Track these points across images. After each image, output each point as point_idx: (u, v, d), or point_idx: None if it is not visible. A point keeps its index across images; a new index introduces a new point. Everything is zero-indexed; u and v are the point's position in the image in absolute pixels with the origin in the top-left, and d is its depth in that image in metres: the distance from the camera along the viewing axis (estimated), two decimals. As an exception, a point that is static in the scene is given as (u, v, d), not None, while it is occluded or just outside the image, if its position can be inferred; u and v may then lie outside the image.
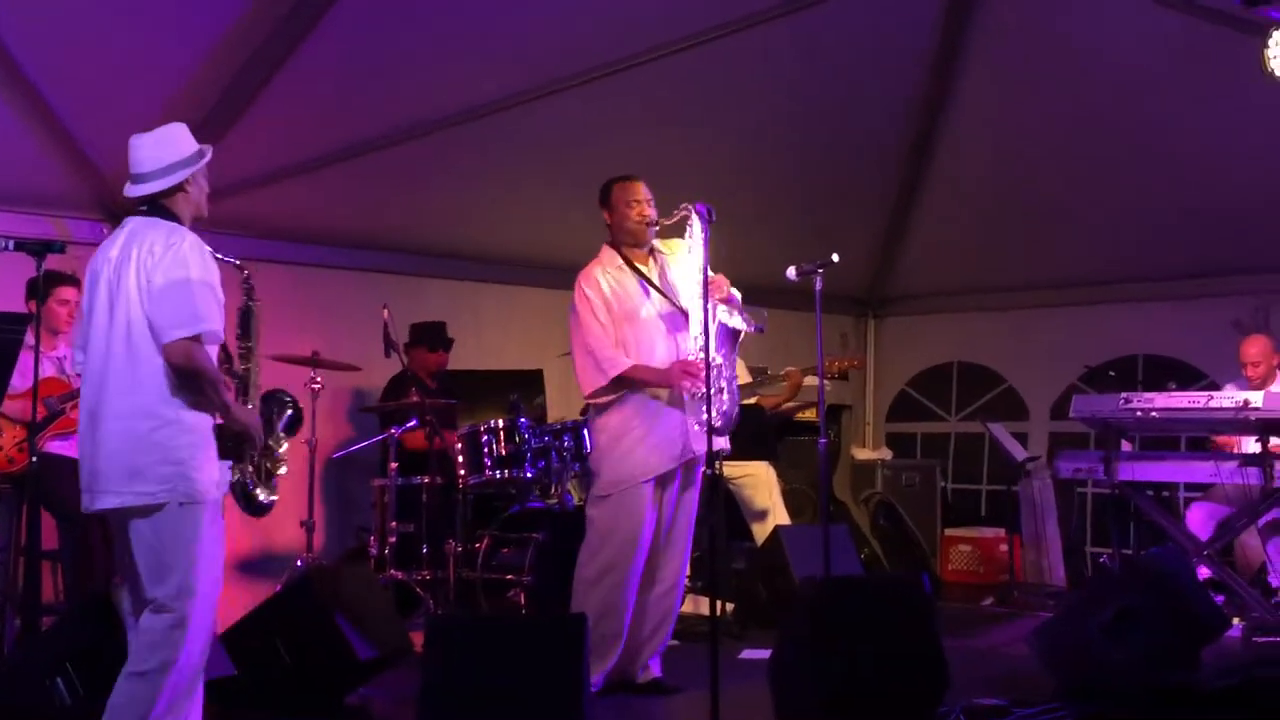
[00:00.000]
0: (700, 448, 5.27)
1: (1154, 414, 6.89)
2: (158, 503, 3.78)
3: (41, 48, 5.60)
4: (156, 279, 3.80)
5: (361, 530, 7.21)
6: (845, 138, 8.30)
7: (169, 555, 3.80)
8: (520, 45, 6.56)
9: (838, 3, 7.02)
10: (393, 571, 6.55)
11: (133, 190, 4.00)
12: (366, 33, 6.10)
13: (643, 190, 5.40)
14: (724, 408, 5.17)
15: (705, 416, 5.00)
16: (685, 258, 5.41)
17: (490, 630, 4.71)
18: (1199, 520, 7.44)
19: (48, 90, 5.83)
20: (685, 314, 5.34)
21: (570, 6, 6.43)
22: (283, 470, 4.46)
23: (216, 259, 4.15)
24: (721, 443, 5.26)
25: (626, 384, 5.27)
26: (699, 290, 5.06)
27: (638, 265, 5.41)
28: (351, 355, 6.93)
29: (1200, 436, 7.90)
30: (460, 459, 6.73)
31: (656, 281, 5.40)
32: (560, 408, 7.98)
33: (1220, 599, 6.76)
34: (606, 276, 5.35)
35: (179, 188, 3.99)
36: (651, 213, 5.36)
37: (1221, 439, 7.54)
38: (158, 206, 3.98)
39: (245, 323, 4.32)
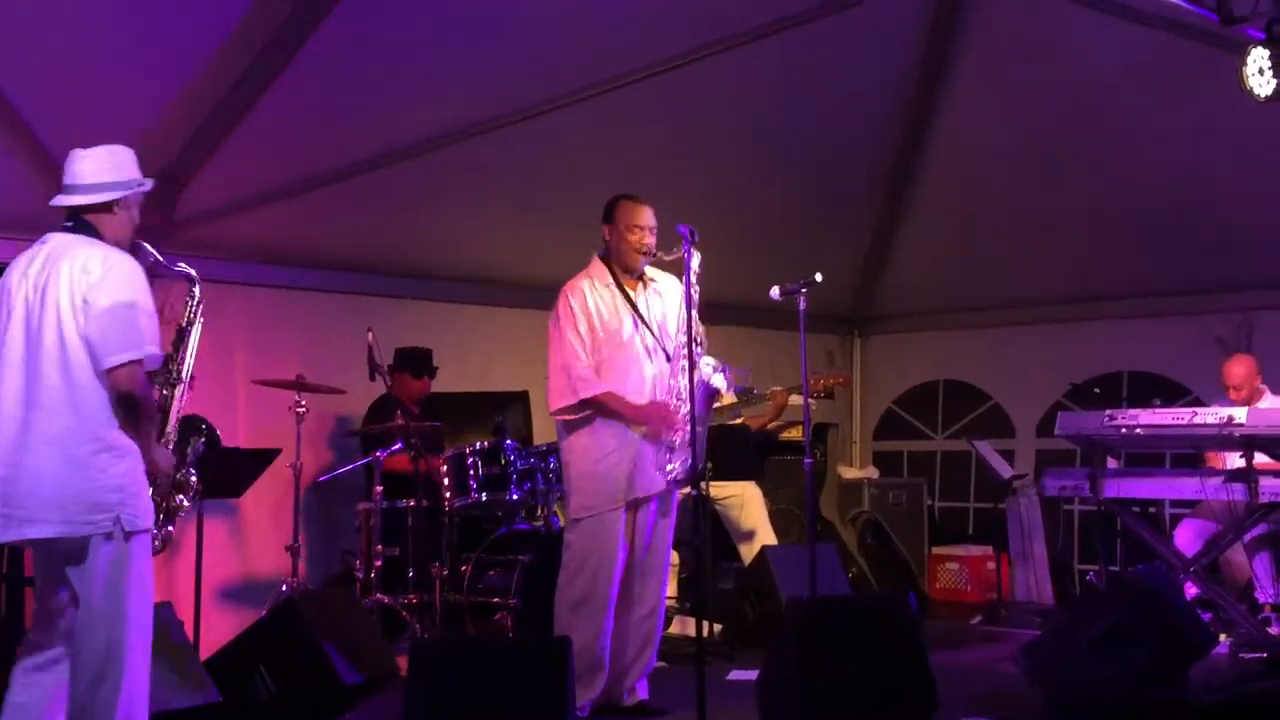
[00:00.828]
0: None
1: (1138, 430, 6.90)
2: (104, 531, 3.63)
3: (22, 68, 5.58)
4: (98, 300, 3.66)
5: (347, 554, 7.17)
6: (828, 157, 8.34)
7: (108, 588, 3.65)
8: (502, 69, 6.57)
9: (819, 26, 7.07)
10: (378, 595, 6.52)
11: (59, 199, 3.87)
12: (350, 57, 6.11)
13: (648, 217, 5.31)
14: (688, 459, 5.12)
15: (666, 467, 5.07)
16: (672, 286, 5.40)
17: (475, 653, 4.69)
18: (1187, 537, 7.44)
19: (29, 113, 5.81)
20: (668, 354, 5.28)
21: (553, 30, 6.45)
22: (183, 511, 4.27)
23: (174, 272, 4.09)
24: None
25: (596, 408, 5.20)
26: (683, 323, 5.08)
27: (627, 289, 5.35)
28: (336, 378, 6.90)
29: (1185, 453, 7.90)
30: (446, 481, 6.72)
31: (644, 311, 5.33)
32: (546, 429, 7.94)
33: (1208, 616, 6.78)
34: (594, 294, 5.28)
35: (107, 206, 3.86)
36: (651, 241, 5.29)
37: (1208, 455, 7.55)
38: (82, 223, 3.84)
39: (178, 343, 4.15)
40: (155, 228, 6.39)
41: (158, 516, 4.04)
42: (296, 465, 6.55)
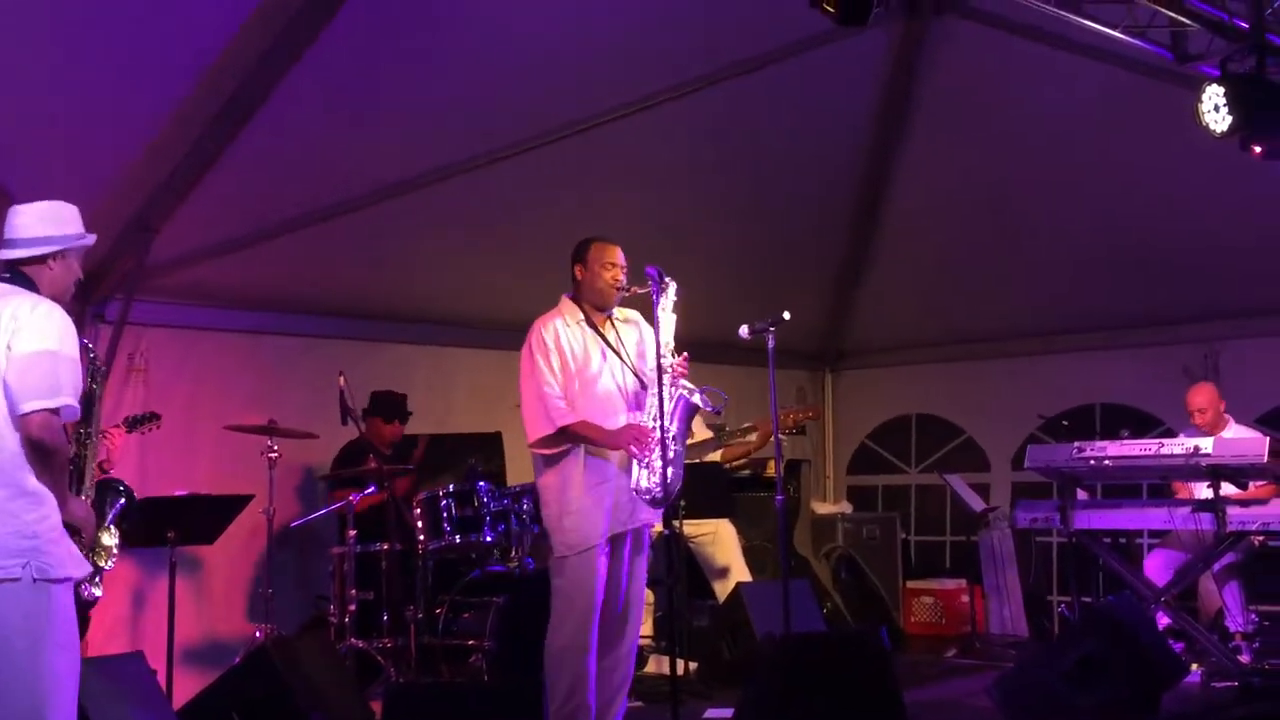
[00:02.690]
0: (647, 516, 5.29)
1: (1107, 462, 6.96)
2: (11, 577, 3.52)
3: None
4: (20, 346, 3.62)
5: (320, 599, 7.15)
6: (795, 195, 8.41)
7: (25, 636, 3.53)
8: (467, 113, 6.62)
9: (783, 67, 7.14)
10: (353, 640, 6.49)
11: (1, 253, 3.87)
12: (318, 103, 6.14)
13: (619, 255, 5.40)
14: (668, 479, 5.13)
15: (643, 486, 5.11)
16: (641, 321, 5.45)
17: (449, 697, 4.70)
18: (1157, 567, 7.49)
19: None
20: (642, 384, 5.34)
21: (518, 73, 6.49)
22: (107, 565, 4.22)
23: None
24: (651, 516, 5.30)
25: (572, 438, 5.23)
26: (655, 360, 5.12)
27: (597, 326, 5.39)
28: (306, 423, 6.88)
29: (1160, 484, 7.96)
30: (419, 524, 6.71)
31: (615, 345, 5.38)
32: (519, 470, 7.95)
33: (1180, 645, 6.82)
34: (567, 330, 5.33)
35: (43, 259, 3.85)
36: (624, 279, 5.37)
37: (1177, 485, 7.62)
38: (19, 275, 3.83)
39: (87, 406, 4.14)
40: (128, 274, 6.43)
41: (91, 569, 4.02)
42: (269, 511, 6.52)
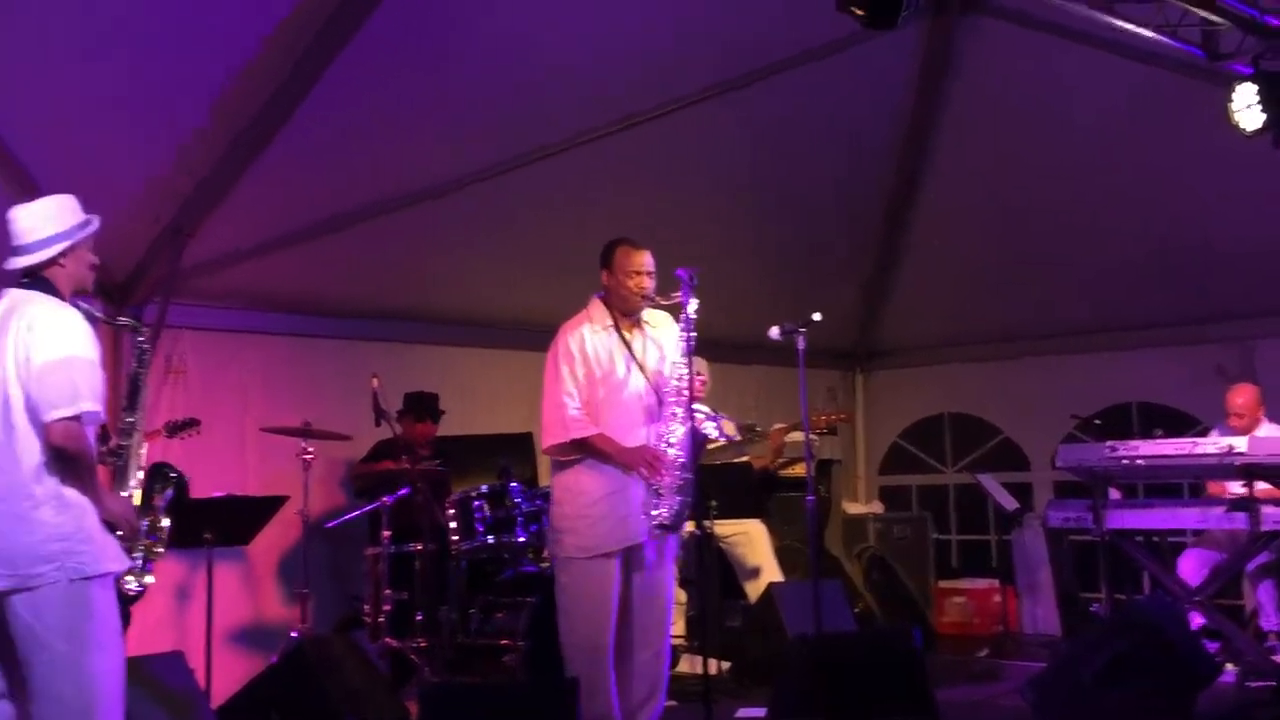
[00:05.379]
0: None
1: (1140, 461, 6.92)
2: (49, 581, 3.60)
3: (25, 122, 5.62)
4: (36, 356, 3.67)
5: (355, 599, 7.21)
6: (828, 194, 8.42)
7: (68, 637, 3.60)
8: (502, 115, 6.66)
9: (816, 69, 7.16)
10: (387, 640, 6.54)
11: (12, 262, 3.88)
12: (353, 107, 6.19)
13: (646, 261, 5.32)
14: (675, 505, 5.12)
15: (652, 512, 5.08)
16: (669, 329, 5.42)
17: (484, 696, 4.73)
18: (1191, 566, 7.45)
19: (33, 167, 5.80)
20: (661, 400, 5.29)
21: (549, 77, 6.53)
22: (161, 550, 4.30)
23: (117, 324, 4.17)
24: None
25: (586, 450, 5.21)
26: (678, 369, 5.13)
27: (624, 332, 5.36)
28: (343, 425, 6.94)
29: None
30: (453, 525, 6.76)
31: (640, 355, 5.34)
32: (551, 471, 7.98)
33: (1215, 645, 6.78)
34: (595, 336, 5.31)
35: (54, 260, 3.85)
36: (650, 285, 5.31)
37: (1212, 484, 7.57)
38: (37, 279, 3.85)
39: (133, 393, 4.22)
40: (164, 277, 6.50)
41: (134, 562, 4.09)
42: (305, 511, 6.59)
